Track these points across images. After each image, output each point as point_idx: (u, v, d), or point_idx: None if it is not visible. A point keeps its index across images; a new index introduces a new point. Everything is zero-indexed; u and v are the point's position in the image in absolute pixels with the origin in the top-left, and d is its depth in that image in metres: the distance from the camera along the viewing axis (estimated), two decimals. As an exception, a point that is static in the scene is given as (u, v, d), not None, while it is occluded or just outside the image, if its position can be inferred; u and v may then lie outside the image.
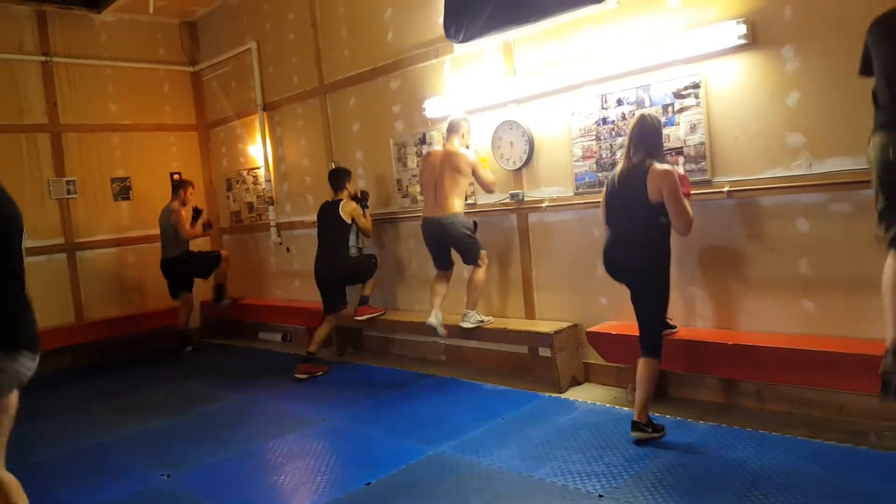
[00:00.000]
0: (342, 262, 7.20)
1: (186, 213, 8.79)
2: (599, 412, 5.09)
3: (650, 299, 4.52)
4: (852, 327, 4.37)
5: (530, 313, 6.32)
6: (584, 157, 5.67)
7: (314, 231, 7.61)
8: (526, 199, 6.15)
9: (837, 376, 4.24)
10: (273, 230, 9.29)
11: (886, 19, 3.53)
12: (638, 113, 4.69)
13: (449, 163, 6.12)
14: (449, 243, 6.24)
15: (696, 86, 4.94)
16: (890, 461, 3.75)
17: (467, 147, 6.29)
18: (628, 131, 4.56)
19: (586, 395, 5.53)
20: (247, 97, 9.43)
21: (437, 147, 6.47)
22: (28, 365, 3.28)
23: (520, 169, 6.14)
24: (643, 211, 4.38)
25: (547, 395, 5.63)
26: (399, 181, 7.41)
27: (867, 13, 4.08)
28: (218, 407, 6.38)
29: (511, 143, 6.13)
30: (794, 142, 4.51)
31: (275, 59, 8.94)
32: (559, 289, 6.07)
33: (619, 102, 5.39)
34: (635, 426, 4.46)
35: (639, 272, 4.53)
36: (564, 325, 5.84)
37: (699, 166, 4.97)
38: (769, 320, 4.78)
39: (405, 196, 7.36)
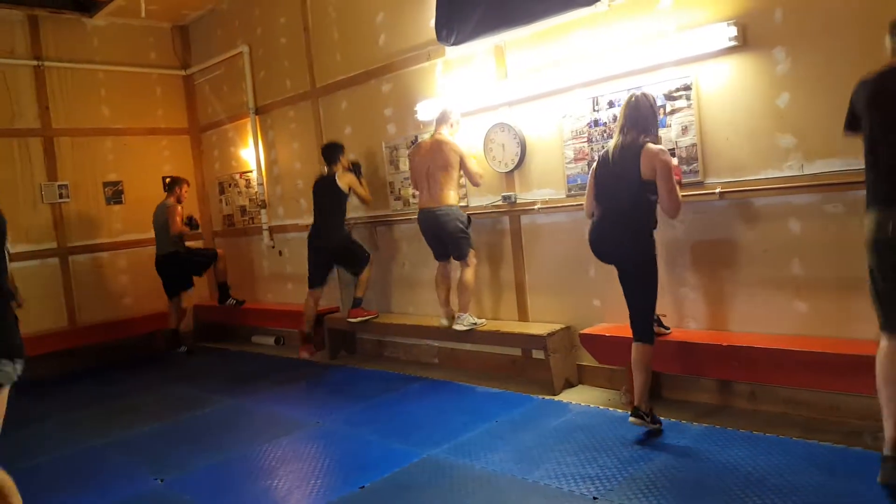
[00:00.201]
0: (338, 234, 7.26)
1: (183, 212, 8.78)
2: (593, 414, 5.09)
3: (640, 279, 4.53)
4: (845, 328, 4.37)
5: (523, 315, 6.31)
6: (575, 159, 5.67)
7: (307, 234, 7.60)
8: (518, 201, 6.15)
9: (831, 377, 4.24)
10: (265, 233, 9.28)
11: (874, 86, 3.48)
12: (632, 92, 4.68)
13: (439, 153, 6.12)
14: (442, 235, 6.24)
15: (687, 87, 4.94)
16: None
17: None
18: (622, 109, 4.57)
19: (580, 398, 5.53)
20: (239, 101, 9.42)
21: (427, 138, 6.43)
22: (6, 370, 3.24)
23: (512, 171, 6.14)
24: (634, 187, 4.40)
25: (540, 397, 5.63)
26: (391, 184, 7.40)
27: (857, 15, 4.13)
28: (211, 411, 6.35)
29: (503, 145, 6.13)
30: (786, 143, 4.52)
31: (266, 62, 8.93)
32: (552, 291, 6.07)
33: (611, 104, 5.39)
34: (636, 411, 4.48)
35: (628, 248, 4.53)
36: (557, 327, 5.84)
37: (691, 168, 4.97)
38: (762, 321, 4.79)
39: (398, 198, 7.36)
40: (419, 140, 6.90)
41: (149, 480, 4.75)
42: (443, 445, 4.77)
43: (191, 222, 8.94)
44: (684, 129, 4.99)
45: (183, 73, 10.24)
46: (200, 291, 9.67)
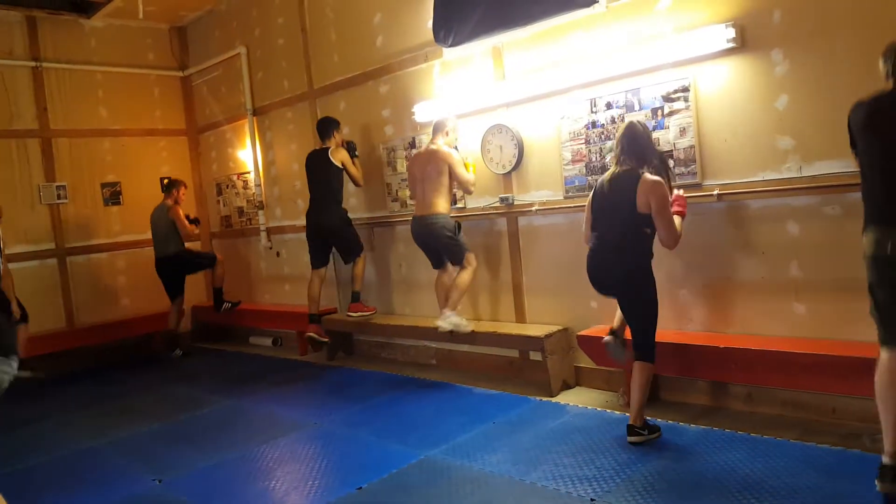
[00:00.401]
0: (335, 213, 7.25)
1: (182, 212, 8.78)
2: (591, 416, 5.08)
3: (639, 304, 4.52)
4: (843, 330, 4.37)
5: (521, 317, 6.31)
6: (573, 161, 5.67)
7: (304, 235, 7.60)
8: (515, 202, 6.15)
9: (829, 379, 4.24)
10: (263, 234, 9.27)
11: (869, 108, 3.49)
12: (627, 120, 4.70)
13: (432, 162, 6.12)
14: (431, 243, 6.24)
15: (685, 89, 4.94)
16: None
17: (454, 147, 6.32)
18: (617, 138, 4.56)
19: (577, 399, 5.53)
20: (236, 102, 9.41)
21: (423, 147, 6.44)
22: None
23: (509, 173, 6.14)
24: (629, 219, 4.38)
25: (538, 398, 5.63)
26: (389, 185, 7.40)
27: (856, 17, 4.13)
28: (209, 411, 6.35)
29: (500, 146, 6.13)
30: (784, 145, 4.52)
31: (264, 63, 8.93)
32: (549, 292, 6.07)
33: (609, 106, 5.39)
34: (631, 430, 4.46)
35: (623, 278, 4.52)
36: (555, 328, 5.84)
37: (689, 169, 4.97)
38: (760, 323, 4.79)
39: (395, 200, 7.35)
40: (417, 146, 6.93)
41: (147, 481, 4.75)
42: (440, 446, 4.77)
43: (196, 221, 8.96)
44: (682, 131, 4.99)
45: (181, 74, 10.23)
46: (199, 292, 9.66)
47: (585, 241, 4.79)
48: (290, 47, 8.44)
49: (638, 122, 4.60)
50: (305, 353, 8.18)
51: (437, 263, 6.40)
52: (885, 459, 3.41)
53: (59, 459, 5.40)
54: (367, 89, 7.50)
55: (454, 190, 6.38)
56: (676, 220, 4.41)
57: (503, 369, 6.47)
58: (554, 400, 5.58)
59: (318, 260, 7.51)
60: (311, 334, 7.34)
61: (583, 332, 5.50)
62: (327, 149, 7.18)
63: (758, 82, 4.61)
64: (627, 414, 4.59)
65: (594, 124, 5.51)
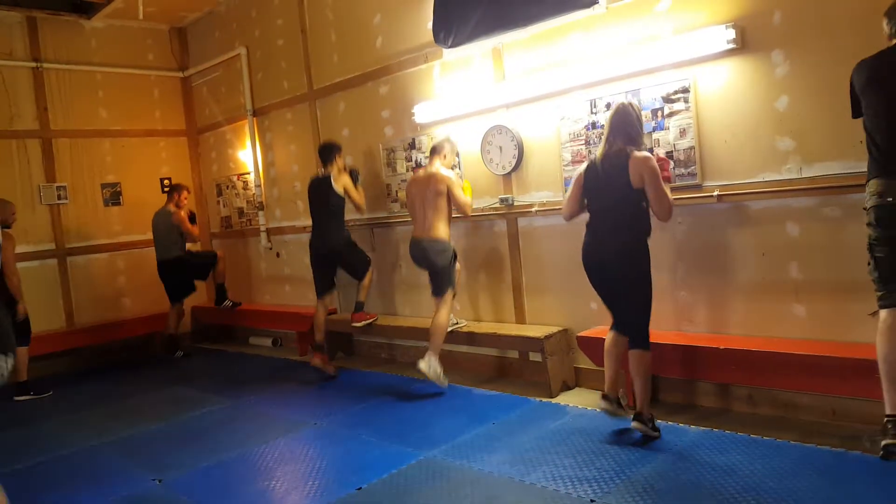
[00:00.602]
0: (338, 237, 7.16)
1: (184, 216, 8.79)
2: (590, 417, 5.07)
3: (634, 287, 4.52)
4: (843, 331, 4.38)
5: (521, 318, 6.31)
6: (573, 162, 5.67)
7: (304, 236, 7.60)
8: (515, 203, 6.15)
9: (829, 380, 4.25)
10: (263, 235, 9.27)
11: (873, 63, 3.52)
12: (617, 102, 4.71)
13: (431, 185, 6.07)
14: (427, 266, 6.20)
15: (685, 90, 4.94)
16: (882, 466, 3.74)
17: (452, 168, 6.32)
18: (608, 119, 4.59)
19: (577, 400, 5.53)
20: (236, 102, 9.42)
21: (422, 170, 6.38)
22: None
23: (509, 173, 6.14)
24: (625, 196, 4.41)
25: (538, 399, 5.63)
26: (388, 186, 7.40)
27: (856, 18, 4.13)
28: (209, 411, 6.35)
29: (500, 147, 6.13)
30: (784, 146, 4.52)
31: (264, 64, 8.93)
32: (549, 293, 6.07)
33: (608, 107, 5.37)
34: (637, 417, 4.47)
35: (622, 252, 4.51)
36: (555, 329, 5.84)
37: (689, 170, 4.97)
38: (760, 324, 4.78)
39: (394, 201, 7.35)
40: (417, 147, 6.93)
41: (146, 481, 4.75)
42: (440, 447, 4.77)
43: (192, 217, 8.97)
44: (682, 132, 4.99)
45: (181, 74, 10.24)
46: (199, 293, 9.66)
47: (566, 216, 4.84)
48: (289, 48, 8.44)
49: (629, 102, 4.63)
50: (305, 353, 8.17)
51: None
52: (889, 410, 3.41)
53: (60, 459, 5.40)
54: (366, 90, 7.51)
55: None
56: (666, 189, 4.41)
57: (503, 370, 6.48)
58: (554, 401, 5.58)
59: (324, 286, 7.31)
60: (316, 363, 7.12)
61: (583, 334, 5.50)
62: (329, 175, 7.10)
63: (758, 83, 4.61)
64: (630, 417, 4.59)
65: (594, 125, 5.51)
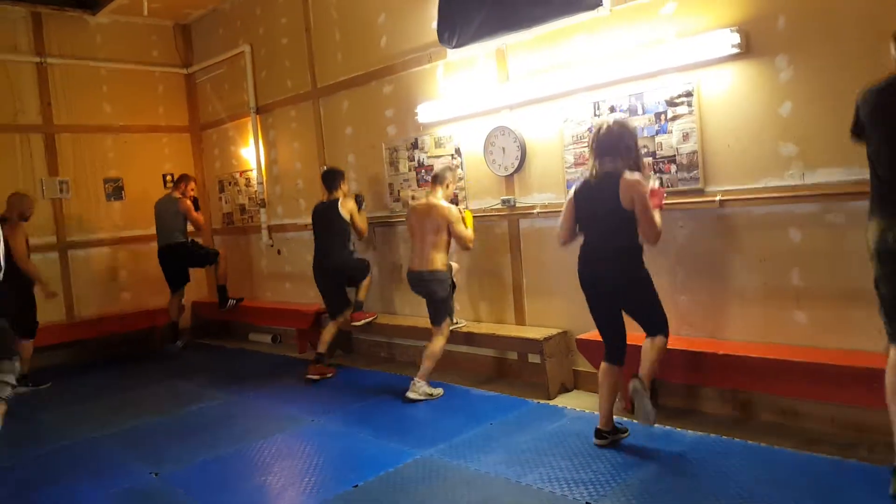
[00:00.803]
0: (343, 260, 7.17)
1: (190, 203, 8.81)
2: (588, 420, 5.06)
3: (638, 293, 4.50)
4: (844, 339, 4.36)
5: (520, 319, 6.31)
6: (576, 164, 5.66)
7: (306, 234, 7.61)
8: (518, 204, 6.15)
9: (829, 388, 4.23)
10: (264, 232, 9.28)
11: (879, 96, 3.46)
12: (603, 121, 4.66)
13: (430, 217, 6.04)
14: (428, 297, 6.16)
15: (689, 94, 4.94)
16: (880, 475, 3.73)
17: (453, 195, 6.33)
18: (595, 138, 4.48)
19: (575, 403, 5.52)
20: (240, 100, 9.42)
21: (423, 200, 6.30)
22: None
23: (512, 175, 6.14)
24: (618, 217, 4.36)
25: (536, 401, 5.62)
26: (390, 185, 7.40)
27: (861, 24, 4.13)
28: (207, 406, 6.37)
29: (503, 148, 6.12)
30: (787, 151, 4.51)
31: (268, 62, 8.94)
32: (549, 295, 6.06)
33: (612, 110, 5.39)
34: (636, 376, 4.42)
35: (623, 282, 4.48)
36: (554, 331, 5.84)
37: (691, 175, 4.97)
38: (761, 330, 4.78)
39: (396, 200, 7.36)
40: (420, 147, 6.93)
41: (144, 474, 4.77)
42: (437, 446, 4.77)
43: (195, 202, 8.98)
44: (685, 136, 4.98)
45: (185, 71, 10.26)
46: (200, 288, 9.67)
47: (562, 241, 4.76)
48: (293, 46, 8.45)
49: (616, 121, 4.52)
50: (305, 350, 8.17)
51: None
52: None
53: (58, 450, 5.42)
54: (370, 89, 7.51)
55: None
56: (656, 214, 4.36)
57: (502, 371, 6.49)
58: (552, 403, 5.57)
59: (337, 306, 7.26)
60: (313, 377, 6.97)
61: (582, 336, 5.48)
62: (336, 200, 7.08)
63: (762, 88, 4.60)
64: (626, 419, 4.58)
65: (597, 128, 5.51)
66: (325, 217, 7.16)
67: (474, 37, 5.98)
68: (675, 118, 5.03)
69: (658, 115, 5.11)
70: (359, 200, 7.29)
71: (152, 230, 8.89)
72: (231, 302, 8.99)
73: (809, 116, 4.41)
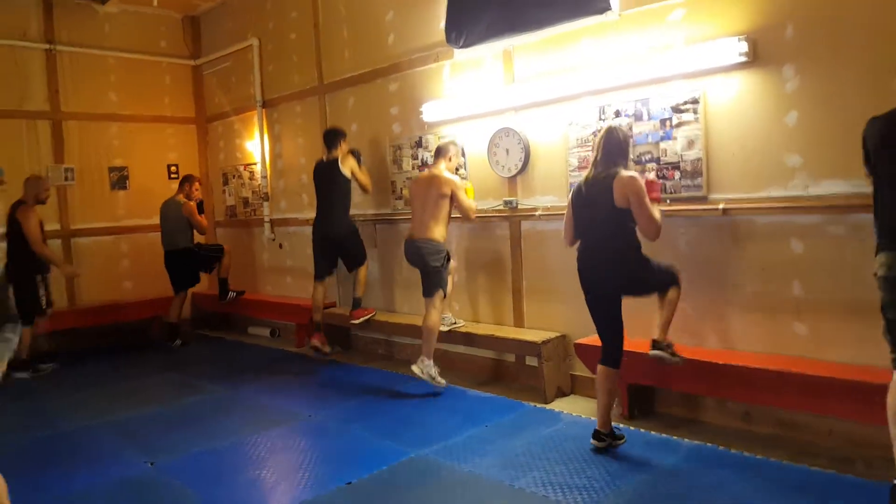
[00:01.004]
0: (343, 224, 7.24)
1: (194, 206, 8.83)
2: (584, 425, 5.05)
3: (647, 274, 4.56)
4: (844, 352, 4.34)
5: (519, 321, 6.30)
6: (579, 168, 5.65)
7: (308, 229, 7.61)
8: (520, 206, 6.14)
9: (826, 401, 4.21)
10: (267, 226, 9.29)
11: (885, 127, 3.45)
12: (606, 125, 4.70)
13: (433, 187, 6.07)
14: (422, 268, 6.17)
15: (694, 101, 4.92)
16: (875, 490, 3.72)
17: (456, 171, 6.31)
18: (597, 141, 4.55)
19: (571, 407, 5.51)
20: (246, 93, 9.43)
21: (426, 171, 6.39)
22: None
23: (515, 176, 6.13)
24: (612, 218, 4.38)
25: (532, 404, 5.62)
26: (393, 183, 7.40)
27: (868, 35, 4.11)
28: (204, 398, 6.38)
29: (507, 150, 6.12)
30: (792, 162, 4.50)
31: (276, 56, 8.94)
32: (549, 298, 6.05)
33: (618, 114, 5.37)
34: (656, 344, 4.66)
35: (621, 283, 4.52)
36: (553, 335, 5.83)
37: (695, 182, 4.96)
38: (760, 341, 4.76)
39: (399, 198, 7.35)
40: (424, 146, 6.94)
41: (139, 463, 4.78)
42: (432, 446, 4.76)
43: (200, 205, 8.99)
44: (690, 143, 4.97)
45: (192, 63, 10.26)
46: (201, 281, 9.68)
47: (567, 243, 4.82)
48: (301, 42, 8.45)
49: (618, 126, 4.59)
50: (303, 345, 8.17)
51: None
52: None
53: (55, 437, 5.43)
54: (376, 87, 7.51)
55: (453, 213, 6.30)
56: (654, 209, 4.37)
57: (499, 373, 6.48)
58: (548, 407, 5.57)
59: (323, 270, 7.44)
60: (315, 343, 7.32)
61: (580, 341, 5.47)
62: (336, 159, 7.15)
63: (768, 97, 4.59)
64: (622, 425, 4.58)
65: (602, 132, 5.50)
66: (327, 176, 7.20)
67: (482, 38, 5.97)
68: (680, 125, 5.02)
69: (663, 122, 5.10)
70: (357, 155, 7.32)
71: (155, 220, 8.90)
72: (231, 294, 9.00)
73: (815, 127, 4.39)
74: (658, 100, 5.13)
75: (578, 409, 5.43)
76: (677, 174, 5.04)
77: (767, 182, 4.63)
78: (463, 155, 6.55)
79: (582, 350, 5.43)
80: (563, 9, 5.41)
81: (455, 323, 6.43)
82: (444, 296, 6.16)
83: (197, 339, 9.32)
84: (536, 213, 5.98)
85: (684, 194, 5.01)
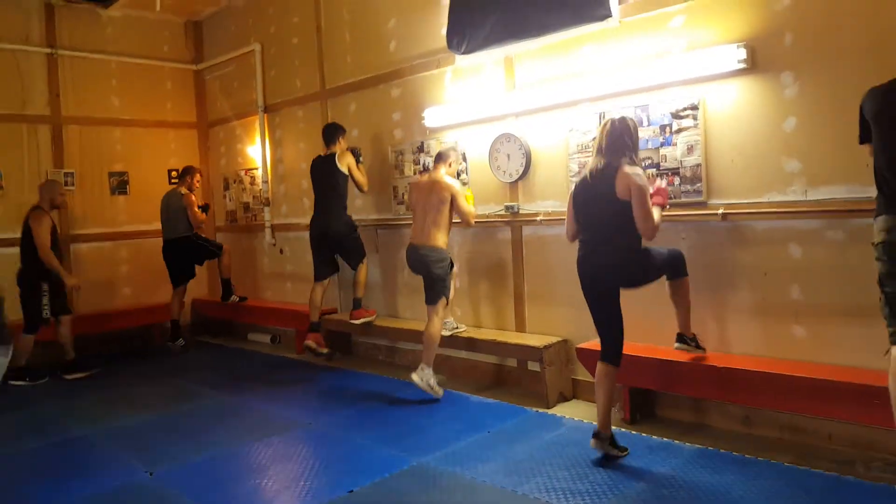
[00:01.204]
0: (340, 222, 7.25)
1: (196, 200, 8.83)
2: (586, 430, 5.03)
3: (650, 265, 4.57)
4: (843, 355, 4.36)
5: (521, 326, 6.31)
6: (580, 173, 5.65)
7: (308, 234, 7.61)
8: (521, 211, 6.16)
9: (827, 404, 4.22)
10: (268, 231, 9.29)
11: (885, 95, 3.47)
12: (608, 117, 4.68)
13: (434, 192, 6.07)
14: (425, 276, 6.16)
15: (694, 107, 4.94)
16: (876, 492, 3.74)
17: (457, 176, 6.33)
18: (600, 132, 4.52)
19: (573, 412, 5.52)
20: (248, 98, 9.44)
21: (426, 176, 6.33)
22: None
23: (516, 182, 6.15)
24: (614, 209, 4.35)
25: (534, 410, 5.62)
26: (395, 188, 7.41)
27: (867, 43, 4.13)
28: (204, 406, 6.37)
29: (508, 155, 6.13)
30: (791, 167, 4.52)
31: (278, 61, 8.96)
32: (550, 303, 6.06)
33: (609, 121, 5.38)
34: (681, 338, 4.77)
35: (617, 266, 4.50)
36: (554, 339, 5.84)
37: (695, 188, 4.97)
38: (759, 344, 4.78)
39: (400, 203, 7.36)
40: (426, 151, 6.94)
41: (138, 472, 4.75)
42: (434, 453, 4.76)
43: (205, 209, 8.98)
44: (690, 149, 4.99)
45: (194, 67, 10.28)
46: (200, 285, 9.68)
47: (569, 237, 4.80)
48: (304, 47, 8.47)
49: (620, 118, 4.53)
50: (303, 352, 8.17)
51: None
52: None
53: (53, 445, 5.41)
54: (378, 92, 7.52)
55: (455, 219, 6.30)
56: (656, 211, 4.36)
57: (500, 378, 6.48)
58: (550, 412, 5.57)
59: (324, 271, 7.45)
60: (310, 343, 7.32)
61: (582, 345, 5.47)
62: (334, 154, 7.18)
63: (767, 104, 4.61)
64: (624, 430, 4.58)
65: (602, 138, 5.51)
66: (324, 171, 7.22)
67: (483, 44, 6.00)
68: (680, 131, 5.04)
69: (663, 128, 5.12)
70: (356, 154, 7.32)
71: (156, 225, 8.91)
72: (234, 297, 9.00)
73: (813, 133, 4.41)
74: (658, 106, 5.15)
75: (581, 414, 5.44)
76: (677, 180, 5.06)
77: (766, 187, 4.65)
78: (464, 160, 6.57)
79: (584, 355, 5.43)
80: (564, 16, 5.43)
81: (457, 328, 6.44)
82: (447, 303, 6.16)
83: (197, 345, 9.31)
84: (538, 219, 5.99)
85: (684, 200, 5.02)
